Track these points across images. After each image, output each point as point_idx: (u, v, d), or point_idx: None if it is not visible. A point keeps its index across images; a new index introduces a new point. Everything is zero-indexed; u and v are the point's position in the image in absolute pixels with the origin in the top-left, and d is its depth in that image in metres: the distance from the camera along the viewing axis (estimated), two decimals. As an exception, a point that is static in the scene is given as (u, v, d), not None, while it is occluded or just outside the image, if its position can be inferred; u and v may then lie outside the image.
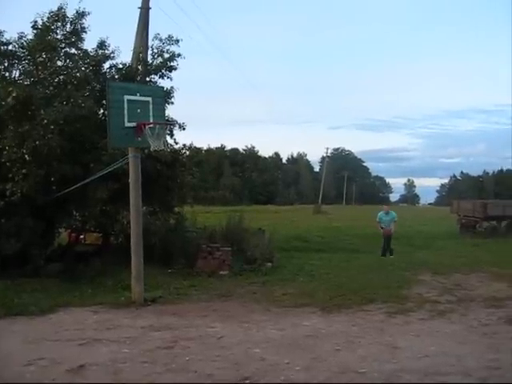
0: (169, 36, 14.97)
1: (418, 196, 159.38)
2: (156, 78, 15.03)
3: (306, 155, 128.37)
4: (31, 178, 11.65)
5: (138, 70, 14.44)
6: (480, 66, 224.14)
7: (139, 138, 10.07)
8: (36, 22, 13.90)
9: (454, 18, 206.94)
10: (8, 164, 11.71)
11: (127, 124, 9.93)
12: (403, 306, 9.76)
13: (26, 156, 11.60)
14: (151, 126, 10.09)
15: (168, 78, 15.06)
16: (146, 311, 9.69)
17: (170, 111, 14.77)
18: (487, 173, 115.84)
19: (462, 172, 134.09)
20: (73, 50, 14.30)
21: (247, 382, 5.87)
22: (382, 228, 18.95)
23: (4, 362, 6.55)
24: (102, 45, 14.39)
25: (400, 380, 5.85)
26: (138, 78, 14.28)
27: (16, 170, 11.65)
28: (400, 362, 6.49)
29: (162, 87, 13.42)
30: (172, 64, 14.97)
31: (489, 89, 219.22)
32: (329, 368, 6.30)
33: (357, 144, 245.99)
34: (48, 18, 13.88)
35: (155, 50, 15.07)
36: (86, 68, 13.68)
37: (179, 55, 15.00)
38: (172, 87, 14.99)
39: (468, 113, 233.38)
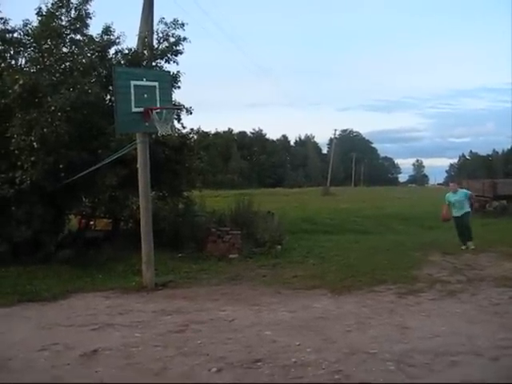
0: (174, 20, 14.87)
1: (427, 176, 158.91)
2: (162, 62, 14.97)
3: (313, 137, 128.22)
4: (40, 165, 11.69)
5: (144, 54, 14.38)
6: (488, 45, 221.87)
7: (147, 123, 10.07)
8: (40, 8, 13.84)
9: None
10: (17, 152, 11.74)
11: (134, 109, 9.91)
12: (413, 287, 9.76)
13: (35, 144, 11.62)
14: (158, 110, 10.08)
15: (174, 62, 15.00)
16: (156, 296, 9.76)
17: (177, 96, 14.73)
18: (497, 152, 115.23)
19: (471, 151, 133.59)
20: (78, 36, 14.24)
21: (259, 363, 5.90)
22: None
23: (18, 347, 6.63)
24: (107, 30, 14.31)
25: (411, 360, 5.86)
26: (144, 63, 14.22)
27: (25, 158, 11.68)
28: (411, 343, 6.50)
29: (169, 72, 13.40)
30: (178, 48, 14.90)
31: (497, 67, 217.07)
32: (339, 349, 6.33)
33: (365, 125, 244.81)
34: (52, 4, 13.79)
35: (160, 35, 14.99)
36: (91, 54, 13.64)
37: (185, 39, 14.93)
38: (178, 71, 14.93)
39: (477, 92, 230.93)
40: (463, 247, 14.44)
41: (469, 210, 14.90)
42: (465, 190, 15.73)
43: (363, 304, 8.65)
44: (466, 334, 6.78)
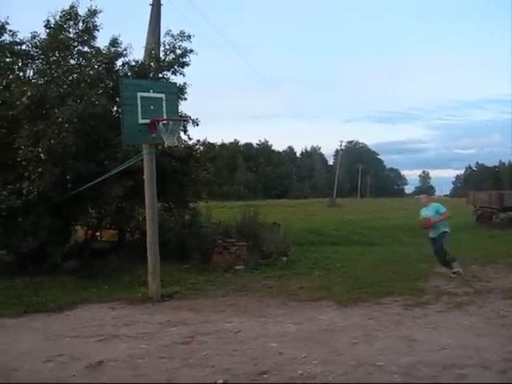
0: (180, 32, 14.97)
1: (433, 188, 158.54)
2: (169, 74, 15.05)
3: (319, 149, 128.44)
4: (47, 176, 11.74)
5: (151, 66, 14.47)
6: (494, 56, 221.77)
7: (153, 135, 10.10)
8: (48, 21, 14.01)
9: (467, 7, 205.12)
10: (24, 163, 11.80)
11: (141, 121, 9.96)
12: (420, 299, 9.71)
13: (42, 155, 11.68)
14: (165, 122, 10.11)
15: (180, 74, 15.08)
16: (162, 307, 9.75)
17: (184, 107, 14.82)
18: (503, 163, 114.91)
19: (477, 163, 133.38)
20: (85, 48, 14.38)
21: (265, 376, 5.88)
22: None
23: (24, 358, 6.62)
24: (114, 42, 14.44)
25: (418, 373, 5.82)
26: (151, 75, 14.31)
27: (32, 169, 11.75)
28: (418, 355, 6.45)
29: (175, 83, 13.46)
30: (184, 60, 14.98)
31: (503, 79, 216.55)
32: (346, 361, 6.29)
33: (371, 136, 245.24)
34: (60, 16, 13.96)
35: (167, 47, 15.08)
36: (98, 66, 13.75)
37: (191, 51, 15.01)
38: (185, 83, 15.00)
39: (483, 103, 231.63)
40: (452, 274, 11.83)
41: (445, 230, 12.26)
42: (437, 205, 12.69)
43: (370, 316, 8.61)
44: (474, 347, 6.72)
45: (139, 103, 9.96)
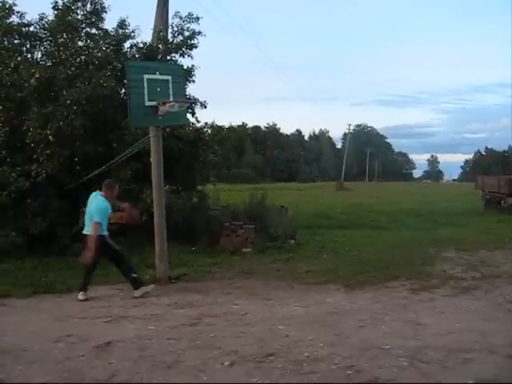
0: (189, 14, 14.89)
1: (441, 172, 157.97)
2: (177, 56, 14.99)
3: (328, 132, 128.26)
4: (55, 158, 11.79)
5: (159, 48, 14.41)
6: (504, 40, 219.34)
7: (160, 117, 10.04)
8: (56, 2, 13.98)
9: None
10: (32, 145, 11.85)
11: (147, 103, 9.87)
12: (427, 283, 9.71)
13: (50, 137, 11.72)
14: (171, 104, 10.02)
15: (189, 56, 15.01)
16: (170, 289, 9.79)
17: (192, 90, 14.77)
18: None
19: (486, 147, 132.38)
20: (93, 30, 14.36)
21: (271, 358, 5.91)
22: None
23: (33, 338, 6.68)
24: (122, 24, 14.39)
25: (424, 356, 5.83)
26: (159, 57, 14.25)
27: (40, 151, 11.79)
28: (424, 339, 6.47)
29: (181, 65, 13.37)
30: (192, 42, 14.90)
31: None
32: (352, 344, 6.31)
33: (379, 120, 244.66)
34: (68, -2, 13.92)
35: (175, 29, 15.00)
36: (106, 48, 13.72)
37: (199, 33, 14.93)
38: (193, 65, 14.95)
39: (492, 87, 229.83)
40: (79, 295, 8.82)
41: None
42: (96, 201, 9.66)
43: (376, 299, 8.62)
44: (480, 331, 6.73)
45: (145, 85, 9.86)
